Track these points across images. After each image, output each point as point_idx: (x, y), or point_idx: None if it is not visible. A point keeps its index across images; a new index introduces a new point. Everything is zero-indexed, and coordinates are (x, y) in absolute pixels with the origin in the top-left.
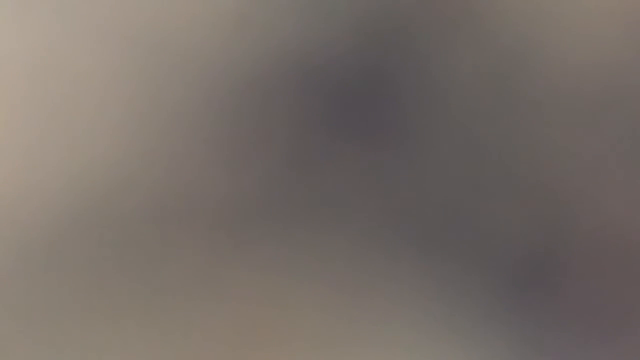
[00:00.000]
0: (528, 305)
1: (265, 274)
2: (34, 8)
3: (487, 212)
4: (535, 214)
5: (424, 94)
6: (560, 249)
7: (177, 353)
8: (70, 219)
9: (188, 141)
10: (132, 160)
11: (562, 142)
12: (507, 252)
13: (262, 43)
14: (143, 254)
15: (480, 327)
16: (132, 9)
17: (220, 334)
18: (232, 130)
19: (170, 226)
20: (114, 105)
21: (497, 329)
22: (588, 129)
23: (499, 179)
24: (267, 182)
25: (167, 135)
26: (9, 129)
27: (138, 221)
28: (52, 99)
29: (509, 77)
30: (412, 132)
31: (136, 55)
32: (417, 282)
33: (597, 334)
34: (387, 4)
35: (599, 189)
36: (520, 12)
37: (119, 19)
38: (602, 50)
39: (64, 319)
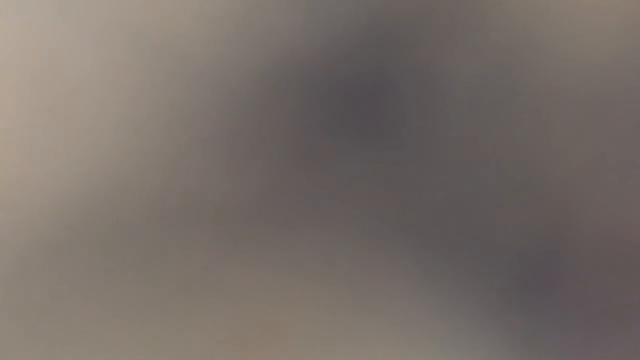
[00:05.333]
0: (528, 305)
1: (265, 274)
2: (35, 8)
3: (487, 212)
4: (536, 214)
5: (424, 94)
6: (560, 248)
7: (177, 352)
8: (71, 219)
9: (189, 141)
10: (133, 161)
11: (562, 142)
12: (508, 252)
13: (264, 44)
14: (143, 253)
15: (481, 327)
16: (133, 10)
17: (220, 333)
18: (232, 130)
19: (170, 226)
20: (114, 106)
21: (497, 328)
22: (588, 129)
23: (500, 179)
24: (267, 182)
25: (168, 136)
26: (10, 129)
27: (139, 221)
28: (53, 100)
29: (510, 78)
30: (413, 132)
31: (137, 57)
32: (418, 282)
33: (597, 333)
34: (388, 6)
35: (599, 189)
36: (521, 13)
37: (119, 20)
38: (603, 50)
39: (65, 319)
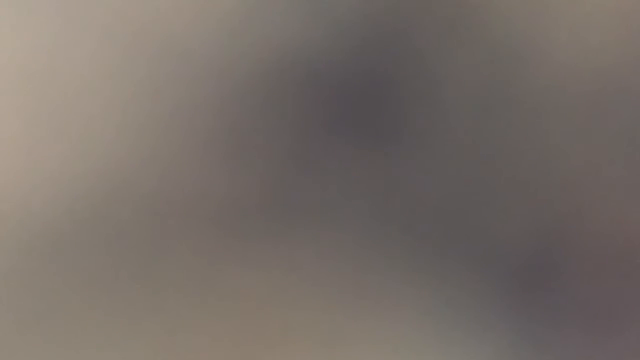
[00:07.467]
0: (529, 305)
1: (265, 274)
2: (34, 9)
3: (487, 212)
4: (536, 214)
5: (424, 94)
6: (560, 248)
7: (177, 352)
8: (71, 219)
9: (189, 141)
10: (133, 160)
11: (562, 142)
12: (509, 252)
13: (264, 44)
14: (143, 253)
15: (482, 327)
16: (133, 10)
17: (220, 333)
18: (232, 130)
19: (170, 226)
20: (114, 106)
21: (498, 328)
22: (587, 129)
23: (499, 179)
24: (267, 182)
25: (168, 136)
26: (10, 130)
27: (139, 221)
28: (53, 99)
29: (509, 78)
30: (412, 132)
31: (137, 56)
32: (418, 282)
33: (598, 333)
34: (387, 6)
35: (599, 189)
36: (519, 13)
37: (119, 20)
38: (603, 49)
39: (64, 319)
